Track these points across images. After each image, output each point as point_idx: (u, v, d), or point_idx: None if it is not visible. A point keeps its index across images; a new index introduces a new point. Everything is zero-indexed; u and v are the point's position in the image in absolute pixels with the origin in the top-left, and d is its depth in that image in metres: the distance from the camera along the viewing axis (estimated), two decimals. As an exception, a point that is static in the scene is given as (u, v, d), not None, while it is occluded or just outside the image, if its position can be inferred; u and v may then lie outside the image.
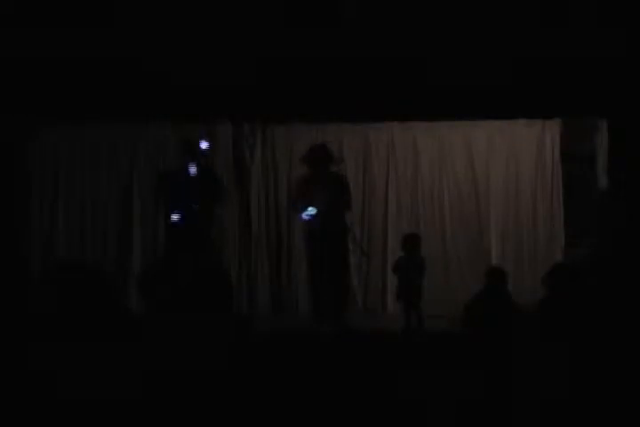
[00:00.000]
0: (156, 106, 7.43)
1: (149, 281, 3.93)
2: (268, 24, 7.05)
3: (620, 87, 7.11)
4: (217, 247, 8.08)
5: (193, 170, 7.42)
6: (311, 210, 7.17)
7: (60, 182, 8.44)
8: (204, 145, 7.49)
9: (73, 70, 7.16)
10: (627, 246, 7.11)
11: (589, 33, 6.96)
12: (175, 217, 7.35)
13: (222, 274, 4.20)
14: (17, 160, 7.98)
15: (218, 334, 3.77)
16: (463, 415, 3.79)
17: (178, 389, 3.45)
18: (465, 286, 7.80)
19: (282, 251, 8.55)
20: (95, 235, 8.43)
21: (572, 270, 4.27)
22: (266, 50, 7.12)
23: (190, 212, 7.39)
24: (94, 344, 3.37)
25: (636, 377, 3.78)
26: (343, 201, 7.36)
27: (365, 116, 7.90)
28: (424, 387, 4.15)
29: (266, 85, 7.25)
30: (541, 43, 7.04)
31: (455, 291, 8.18)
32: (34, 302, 3.49)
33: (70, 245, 8.37)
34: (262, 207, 8.57)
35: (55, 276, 3.47)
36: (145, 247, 8.39)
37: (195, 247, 7.34)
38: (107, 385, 3.30)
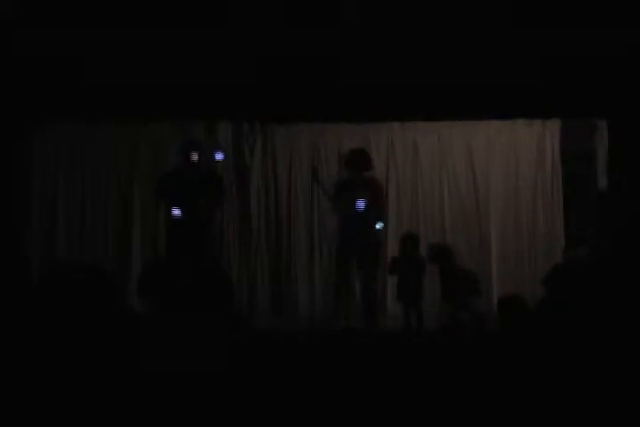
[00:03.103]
0: (155, 106, 7.44)
1: (149, 281, 3.93)
2: (267, 24, 7.05)
3: (620, 87, 7.11)
4: (217, 247, 8.09)
5: (219, 156, 7.67)
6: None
7: (60, 182, 8.44)
8: (219, 156, 7.76)
9: (73, 70, 7.16)
10: (627, 246, 7.11)
11: (589, 33, 6.96)
12: (176, 212, 7.39)
13: (222, 274, 4.21)
14: (17, 160, 7.98)
15: (218, 334, 3.77)
16: (462, 415, 3.79)
17: (178, 389, 3.45)
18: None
19: (282, 250, 8.55)
20: (95, 235, 8.43)
21: (572, 270, 4.27)
22: (266, 50, 7.12)
23: (191, 211, 7.40)
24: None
25: (635, 377, 3.78)
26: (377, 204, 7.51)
27: (365, 116, 7.91)
28: (424, 387, 4.15)
29: (266, 85, 7.25)
30: (541, 43, 7.04)
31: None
32: (34, 303, 3.49)
33: (70, 245, 8.38)
34: (262, 207, 8.56)
35: (56, 276, 3.47)
36: (145, 247, 8.39)
37: (195, 247, 7.34)
38: None
